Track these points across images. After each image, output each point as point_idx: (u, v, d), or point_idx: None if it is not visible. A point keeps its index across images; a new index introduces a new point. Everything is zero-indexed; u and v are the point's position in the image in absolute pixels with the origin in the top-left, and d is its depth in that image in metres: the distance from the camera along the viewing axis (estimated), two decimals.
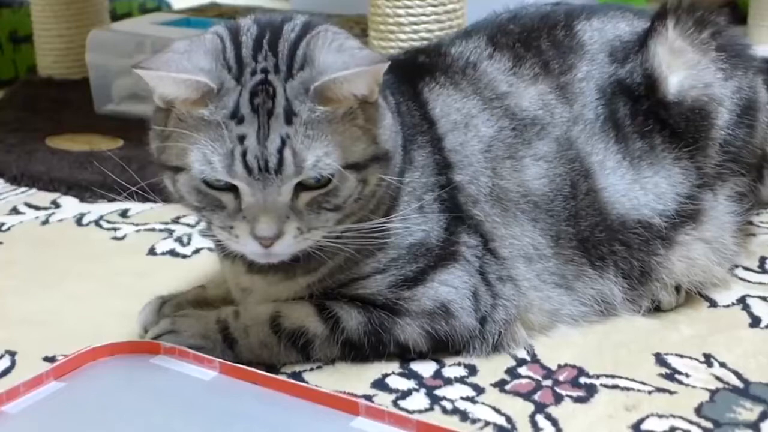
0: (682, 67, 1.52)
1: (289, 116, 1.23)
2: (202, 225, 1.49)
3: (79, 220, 1.98)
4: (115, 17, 3.17)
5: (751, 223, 1.75)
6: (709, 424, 1.24)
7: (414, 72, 1.49)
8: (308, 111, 1.23)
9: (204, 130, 1.24)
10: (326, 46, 1.27)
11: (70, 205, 2.06)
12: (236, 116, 1.23)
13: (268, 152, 1.22)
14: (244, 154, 1.22)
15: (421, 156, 1.41)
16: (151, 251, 1.80)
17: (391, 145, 1.32)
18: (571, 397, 1.31)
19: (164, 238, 1.84)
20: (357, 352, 1.38)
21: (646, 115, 1.50)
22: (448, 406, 1.29)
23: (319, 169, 1.23)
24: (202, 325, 1.38)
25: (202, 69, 1.25)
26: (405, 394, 1.32)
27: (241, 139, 1.22)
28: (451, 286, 1.38)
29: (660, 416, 1.26)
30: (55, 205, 2.07)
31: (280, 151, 1.22)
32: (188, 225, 1.89)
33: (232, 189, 1.25)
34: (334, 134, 1.24)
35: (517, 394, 1.32)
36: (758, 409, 1.27)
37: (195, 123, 1.25)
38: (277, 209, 1.24)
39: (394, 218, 1.35)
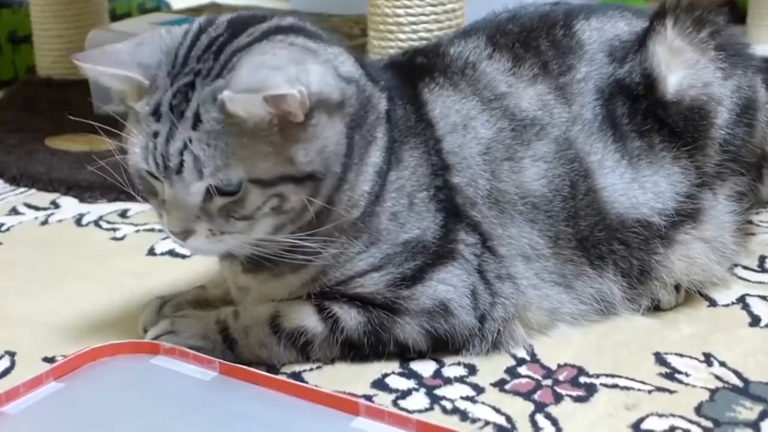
0: (680, 67, 1.52)
1: (196, 122, 1.24)
2: None
3: (78, 221, 1.98)
4: (115, 17, 3.18)
5: (750, 222, 1.76)
6: (709, 424, 1.24)
7: (413, 73, 1.49)
8: (213, 121, 1.23)
9: (137, 120, 1.28)
10: (253, 58, 1.26)
11: (70, 206, 2.06)
12: (156, 113, 1.26)
13: (169, 153, 1.24)
14: (154, 150, 1.26)
15: (413, 156, 1.40)
16: (151, 251, 1.80)
17: (319, 167, 1.28)
18: (571, 396, 1.31)
19: (164, 239, 1.84)
20: (357, 351, 1.38)
21: (645, 114, 1.50)
22: (448, 405, 1.29)
23: (218, 177, 1.24)
24: (202, 325, 1.39)
25: (140, 64, 1.29)
26: (405, 393, 1.32)
27: (155, 135, 1.26)
28: (449, 285, 1.38)
29: (660, 415, 1.26)
30: (55, 205, 2.07)
31: (181, 154, 1.24)
32: None
33: (159, 179, 1.29)
34: (239, 147, 1.23)
35: (517, 393, 1.32)
36: (758, 408, 1.27)
37: (133, 113, 1.30)
38: (187, 208, 1.27)
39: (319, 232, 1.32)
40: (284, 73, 1.23)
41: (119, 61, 1.29)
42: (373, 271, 1.37)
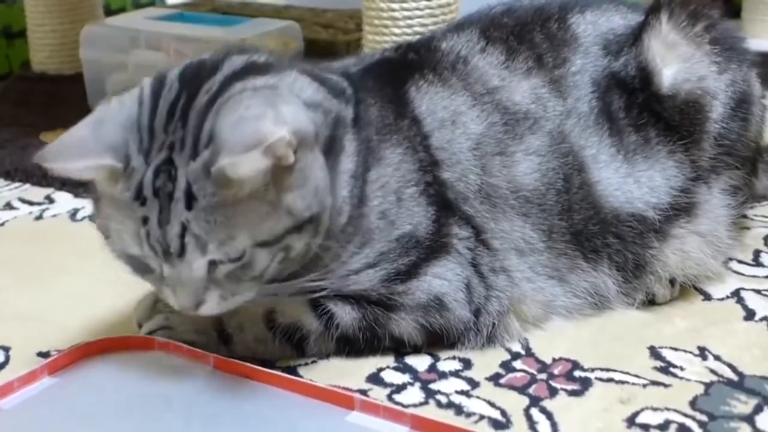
0: (675, 61, 1.52)
1: (189, 201, 1.18)
2: None
3: (73, 216, 1.98)
4: (109, 12, 3.17)
5: (745, 216, 1.76)
6: (703, 417, 1.24)
7: (403, 70, 1.48)
8: (209, 195, 1.18)
9: (118, 206, 1.22)
10: (228, 118, 1.20)
11: (64, 201, 2.06)
12: (139, 197, 1.20)
13: (169, 237, 1.19)
14: (147, 236, 1.21)
15: (396, 153, 1.39)
16: None
17: (317, 208, 1.25)
18: (565, 390, 1.31)
19: None
20: (352, 346, 1.38)
21: (641, 108, 1.50)
22: (443, 400, 1.29)
23: (223, 252, 1.20)
24: (196, 321, 1.38)
25: (109, 147, 1.20)
26: (400, 388, 1.32)
27: (144, 220, 1.20)
28: (444, 279, 1.38)
29: (655, 409, 1.26)
30: (49, 200, 2.07)
31: (181, 237, 1.19)
32: None
33: None
34: (239, 216, 1.19)
35: (511, 387, 1.32)
36: (753, 402, 1.27)
37: (110, 198, 1.23)
38: (194, 283, 1.22)
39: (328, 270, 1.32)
40: (268, 119, 1.18)
41: (87, 150, 1.20)
42: (367, 269, 1.37)
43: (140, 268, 1.27)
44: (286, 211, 1.22)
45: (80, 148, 1.21)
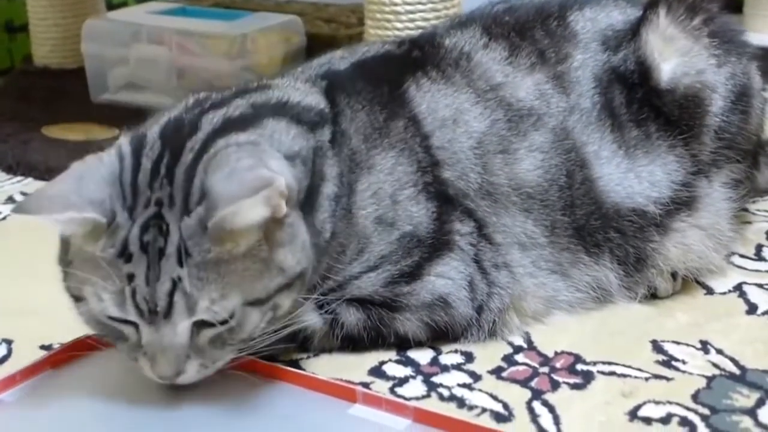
0: (674, 55, 1.52)
1: (181, 257, 1.14)
2: None
3: None
4: (111, 6, 3.17)
5: (747, 210, 1.76)
6: (706, 411, 1.24)
7: (403, 68, 1.47)
8: (204, 252, 1.14)
9: (96, 265, 1.16)
10: (220, 172, 1.17)
11: None
12: (124, 254, 1.15)
13: (158, 295, 1.14)
14: (133, 295, 1.15)
15: (388, 158, 1.37)
16: None
17: (306, 264, 1.22)
18: (568, 384, 1.31)
19: None
20: (356, 345, 1.38)
21: (641, 103, 1.50)
22: (445, 393, 1.29)
23: (213, 312, 1.15)
24: None
25: (92, 201, 1.15)
26: (402, 381, 1.32)
27: (130, 278, 1.15)
28: (447, 278, 1.38)
29: (657, 403, 1.26)
30: None
31: (171, 294, 1.14)
32: None
33: (133, 322, 1.18)
34: (231, 274, 1.15)
35: (513, 381, 1.32)
36: (755, 396, 1.27)
37: (88, 257, 1.17)
38: (175, 349, 1.17)
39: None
40: (263, 168, 1.16)
41: (70, 203, 1.15)
42: (369, 272, 1.36)
43: (114, 334, 1.21)
44: (278, 269, 1.18)
45: (63, 200, 1.16)
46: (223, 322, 1.17)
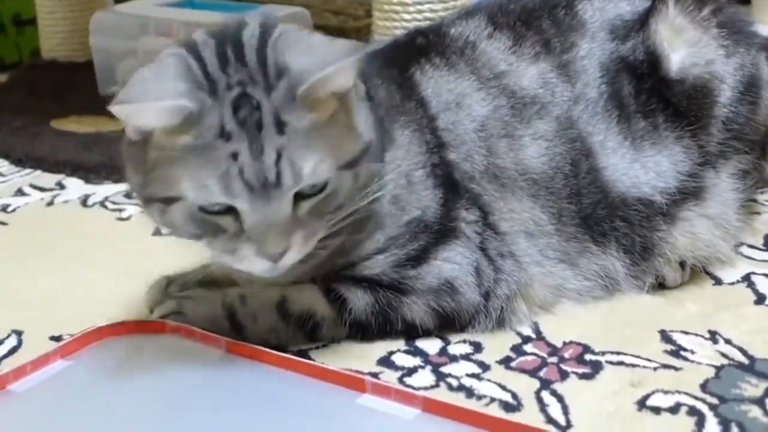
0: (683, 45, 1.51)
1: (281, 127, 1.18)
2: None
3: (84, 201, 1.99)
4: None
5: (755, 201, 1.75)
6: (714, 400, 1.24)
7: (409, 54, 1.49)
8: (297, 119, 1.19)
9: (192, 154, 1.18)
10: (295, 48, 1.22)
11: (75, 187, 2.07)
12: (223, 134, 1.18)
13: (266, 166, 1.18)
14: (241, 172, 1.18)
15: (404, 135, 1.40)
16: (157, 231, 1.79)
17: (371, 134, 1.30)
18: (576, 373, 1.31)
19: None
20: (365, 332, 1.38)
21: (650, 93, 1.50)
22: (454, 383, 1.30)
23: (316, 176, 1.20)
24: (208, 309, 1.39)
25: (178, 92, 1.18)
26: (411, 371, 1.33)
27: (234, 156, 1.18)
28: (454, 263, 1.38)
29: (665, 392, 1.26)
30: (60, 186, 2.08)
31: (278, 164, 1.18)
32: None
33: (231, 211, 1.21)
34: (325, 138, 1.21)
35: (522, 371, 1.32)
36: (763, 385, 1.27)
37: (180, 149, 1.19)
38: (283, 223, 1.21)
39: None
40: (336, 42, 1.24)
41: (161, 93, 1.18)
42: (377, 254, 1.37)
43: (210, 229, 1.23)
44: (357, 134, 1.26)
45: (156, 93, 1.18)
46: (320, 191, 1.23)
